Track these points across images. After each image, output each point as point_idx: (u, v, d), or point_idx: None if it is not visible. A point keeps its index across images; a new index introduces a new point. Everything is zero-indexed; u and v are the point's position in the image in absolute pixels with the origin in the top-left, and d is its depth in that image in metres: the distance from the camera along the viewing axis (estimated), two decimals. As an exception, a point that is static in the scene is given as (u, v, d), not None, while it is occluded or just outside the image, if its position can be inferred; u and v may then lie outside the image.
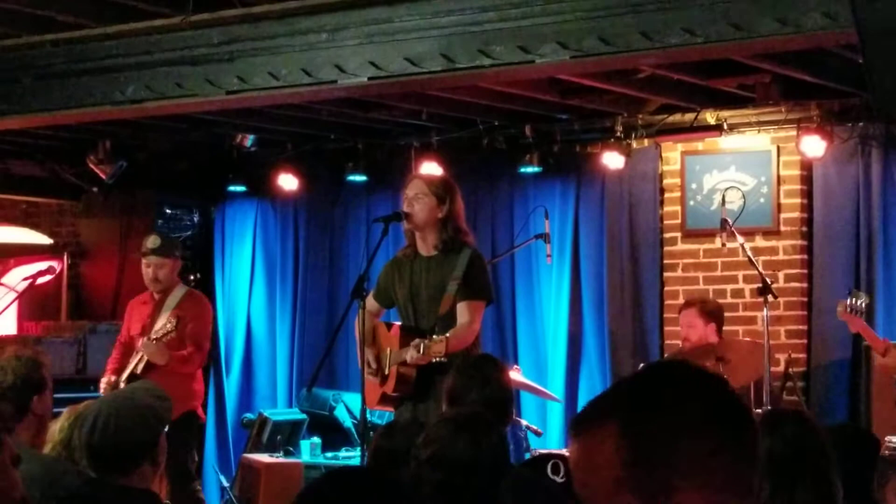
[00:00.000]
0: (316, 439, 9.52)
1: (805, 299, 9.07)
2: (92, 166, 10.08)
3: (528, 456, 8.02)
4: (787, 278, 9.03)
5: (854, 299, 7.84)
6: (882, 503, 4.79)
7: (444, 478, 3.87)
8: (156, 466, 4.39)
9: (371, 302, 6.99)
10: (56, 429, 5.08)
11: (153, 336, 8.23)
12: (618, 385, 2.15)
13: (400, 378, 6.84)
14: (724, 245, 8.44)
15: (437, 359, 6.44)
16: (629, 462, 2.02)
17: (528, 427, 8.35)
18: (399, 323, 7.09)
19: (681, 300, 9.15)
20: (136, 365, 8.32)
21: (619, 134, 9.40)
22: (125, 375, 8.36)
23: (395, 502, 2.34)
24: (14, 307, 10.05)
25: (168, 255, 8.59)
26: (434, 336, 6.54)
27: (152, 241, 8.61)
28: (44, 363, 5.23)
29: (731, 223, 8.23)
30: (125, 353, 8.68)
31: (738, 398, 2.12)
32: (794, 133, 8.95)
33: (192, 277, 11.27)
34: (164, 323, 8.27)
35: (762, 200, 9.11)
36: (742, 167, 9.22)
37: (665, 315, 9.50)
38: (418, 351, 6.55)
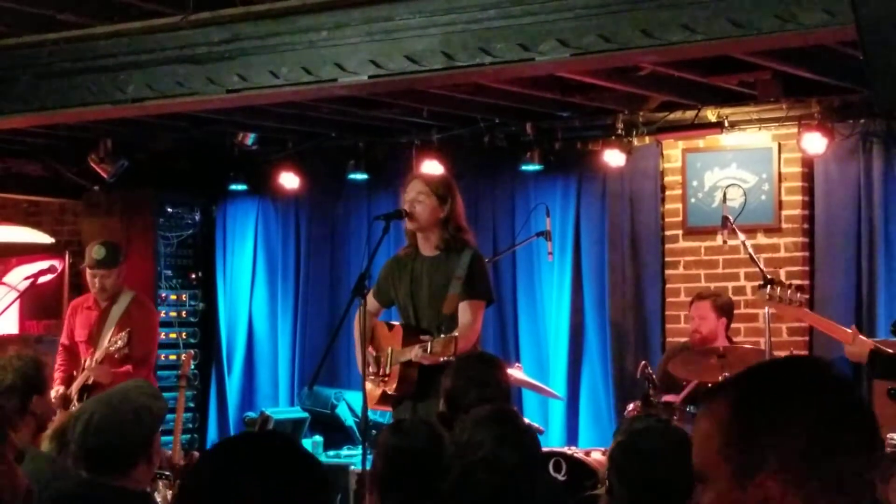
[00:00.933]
0: (318, 438, 9.53)
1: (807, 296, 9.05)
2: (93, 165, 10.08)
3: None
4: (789, 275, 9.01)
5: (781, 288, 7.60)
6: (884, 501, 4.79)
7: (496, 478, 3.88)
8: (150, 466, 4.38)
9: (370, 300, 6.97)
10: (47, 435, 5.08)
11: (106, 347, 8.25)
12: (746, 368, 2.24)
13: (402, 378, 6.82)
14: (725, 242, 8.42)
15: (446, 358, 6.41)
16: (734, 434, 2.12)
17: (529, 425, 8.34)
18: (399, 322, 7.08)
19: (682, 297, 9.16)
20: (89, 377, 8.33)
21: (619, 131, 9.40)
22: (75, 387, 8.36)
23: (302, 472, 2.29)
24: (16, 306, 10.05)
25: (113, 266, 8.59)
26: (441, 335, 6.52)
27: (96, 252, 8.58)
28: (45, 364, 5.23)
29: (732, 220, 8.21)
30: (69, 359, 8.69)
31: (864, 404, 2.18)
32: (795, 130, 8.95)
33: (193, 276, 11.28)
34: (114, 339, 8.28)
35: (763, 198, 9.11)
36: (743, 164, 9.21)
37: (667, 312, 9.50)
38: (425, 350, 6.53)
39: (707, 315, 8.35)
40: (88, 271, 8.62)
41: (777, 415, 2.12)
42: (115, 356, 8.24)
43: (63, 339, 8.89)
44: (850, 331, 7.49)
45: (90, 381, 8.29)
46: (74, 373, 8.54)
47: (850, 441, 2.11)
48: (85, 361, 8.50)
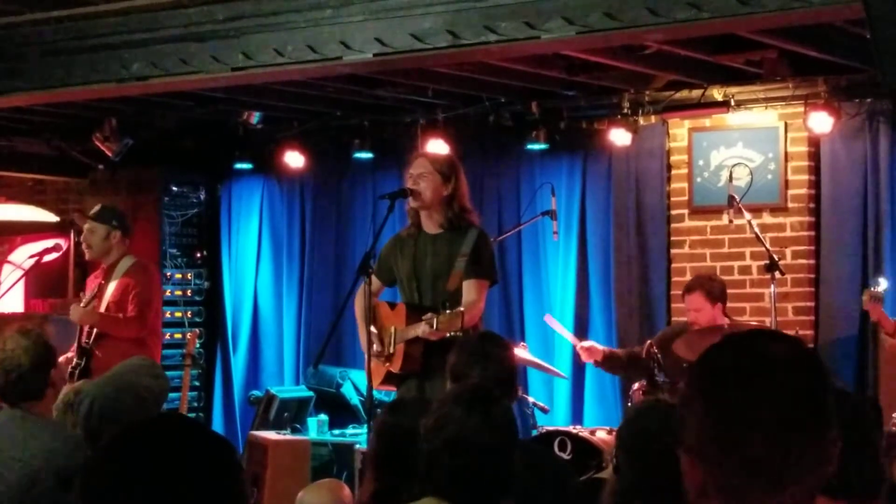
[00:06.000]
0: (323, 416, 9.54)
1: (812, 276, 9.05)
2: (98, 144, 10.07)
3: (534, 433, 8.03)
4: (795, 255, 9.01)
5: (876, 287, 7.79)
6: (891, 478, 4.78)
7: (460, 461, 3.82)
8: None
9: (372, 279, 6.94)
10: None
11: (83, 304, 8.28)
12: None
13: (407, 356, 6.81)
14: (731, 222, 8.43)
15: (453, 333, 6.39)
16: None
17: (534, 404, 8.35)
18: (402, 301, 7.07)
19: (688, 277, 9.12)
20: (86, 339, 8.33)
21: (625, 110, 9.37)
22: (73, 349, 8.37)
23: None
24: (21, 285, 10.05)
25: (101, 222, 8.60)
26: (447, 310, 6.49)
27: (94, 209, 8.70)
28: (49, 333, 5.26)
29: (738, 200, 8.21)
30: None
31: (801, 384, 2.13)
32: (801, 109, 8.92)
33: (198, 255, 11.28)
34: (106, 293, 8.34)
35: (769, 177, 9.09)
36: (749, 143, 9.19)
37: (672, 292, 9.48)
38: (431, 326, 6.51)
39: (702, 306, 8.19)
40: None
41: (693, 392, 2.16)
42: (89, 308, 8.29)
43: None
44: (893, 323, 7.74)
45: (88, 343, 8.30)
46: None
47: (766, 420, 2.09)
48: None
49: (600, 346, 8.55)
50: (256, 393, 10.24)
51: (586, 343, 8.61)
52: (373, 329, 6.91)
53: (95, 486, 2.10)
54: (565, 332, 8.88)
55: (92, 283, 8.74)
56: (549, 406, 8.95)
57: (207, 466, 2.13)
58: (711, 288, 8.19)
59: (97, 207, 8.71)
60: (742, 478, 2.08)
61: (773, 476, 2.08)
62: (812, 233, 9.07)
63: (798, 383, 2.12)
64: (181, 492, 2.08)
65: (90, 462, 2.20)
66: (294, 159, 10.57)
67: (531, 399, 8.41)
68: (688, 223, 9.48)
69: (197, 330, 10.49)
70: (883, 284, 7.90)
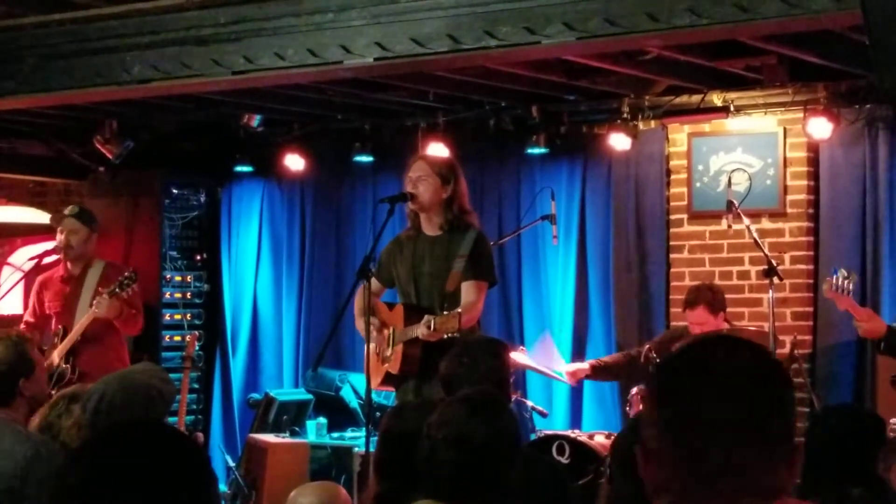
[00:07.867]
0: (322, 419, 9.55)
1: (811, 281, 9.05)
2: (99, 146, 10.08)
3: (533, 437, 8.04)
4: (793, 260, 9.03)
5: (840, 278, 7.75)
6: (888, 483, 4.80)
7: (461, 458, 3.84)
8: None
9: (372, 281, 6.97)
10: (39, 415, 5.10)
11: (112, 289, 8.32)
12: None
13: (405, 357, 6.83)
14: (730, 227, 8.45)
15: (450, 334, 6.41)
16: None
17: (533, 408, 8.37)
18: (400, 302, 7.09)
19: (687, 282, 9.14)
20: (73, 340, 8.36)
21: (625, 115, 9.39)
22: (59, 352, 8.38)
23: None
24: (20, 287, 10.06)
25: (83, 222, 8.65)
26: (444, 312, 6.52)
27: (70, 209, 8.80)
28: (29, 341, 5.22)
29: (737, 205, 8.22)
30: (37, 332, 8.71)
31: (750, 385, 2.12)
32: (800, 115, 8.93)
33: (198, 257, 11.29)
34: (121, 279, 8.39)
35: (768, 182, 9.10)
36: (749, 149, 9.20)
37: (671, 296, 9.49)
38: (429, 327, 6.54)
39: (706, 320, 8.19)
40: (58, 230, 8.71)
41: (652, 394, 2.17)
42: (126, 294, 8.32)
43: (27, 317, 8.91)
44: (864, 309, 7.75)
45: (77, 339, 8.35)
46: (44, 346, 8.57)
47: (717, 428, 2.07)
48: (59, 331, 8.55)
49: (584, 364, 8.60)
50: (255, 395, 10.25)
51: (570, 367, 8.68)
52: (374, 321, 6.92)
53: (68, 488, 2.13)
54: (556, 357, 8.89)
55: (49, 286, 8.75)
56: (548, 410, 8.96)
57: (179, 473, 2.15)
58: (714, 301, 8.24)
59: (75, 208, 8.73)
60: (692, 483, 2.07)
61: (723, 484, 2.06)
62: (811, 238, 9.08)
63: (756, 393, 2.09)
64: (151, 497, 2.10)
65: (64, 464, 2.21)
66: (294, 162, 10.58)
67: (530, 403, 8.43)
68: (687, 228, 9.49)
69: (196, 332, 10.48)
70: (848, 276, 7.78)
